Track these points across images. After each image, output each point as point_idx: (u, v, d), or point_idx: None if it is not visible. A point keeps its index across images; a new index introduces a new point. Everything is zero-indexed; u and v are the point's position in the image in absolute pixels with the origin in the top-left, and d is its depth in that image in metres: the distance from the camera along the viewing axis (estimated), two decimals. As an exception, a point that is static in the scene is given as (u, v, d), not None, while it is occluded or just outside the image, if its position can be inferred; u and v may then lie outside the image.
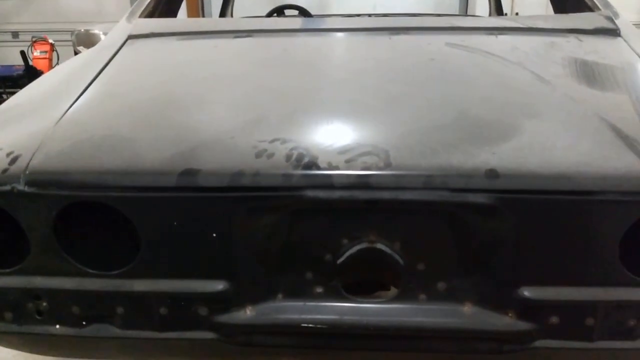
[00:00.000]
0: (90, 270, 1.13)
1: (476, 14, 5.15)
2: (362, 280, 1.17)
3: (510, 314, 1.11)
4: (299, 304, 1.14)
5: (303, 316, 1.13)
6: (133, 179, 1.07)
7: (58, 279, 1.15)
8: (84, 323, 1.17)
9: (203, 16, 7.15)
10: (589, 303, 1.09)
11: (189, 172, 1.05)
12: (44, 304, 1.16)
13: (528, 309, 1.10)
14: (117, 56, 1.55)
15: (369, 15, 3.42)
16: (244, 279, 1.12)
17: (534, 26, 1.65)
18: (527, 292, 1.09)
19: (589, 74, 1.35)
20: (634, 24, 1.76)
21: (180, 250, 1.11)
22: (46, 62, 7.07)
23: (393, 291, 1.15)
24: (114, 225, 1.13)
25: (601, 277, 1.08)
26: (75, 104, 1.28)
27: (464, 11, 6.75)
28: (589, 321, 1.09)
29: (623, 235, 1.04)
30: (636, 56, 1.46)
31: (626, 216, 1.03)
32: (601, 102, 1.23)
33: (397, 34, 1.63)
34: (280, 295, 1.15)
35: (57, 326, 1.18)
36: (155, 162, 1.08)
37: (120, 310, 1.15)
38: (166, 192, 1.06)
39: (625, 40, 1.57)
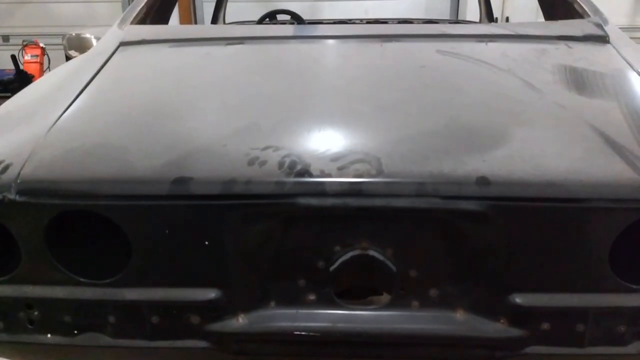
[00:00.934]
0: (82, 279, 1.13)
1: (467, 19, 5.17)
2: (355, 287, 1.18)
3: (502, 321, 1.11)
4: (292, 311, 1.14)
5: (296, 324, 1.13)
6: (125, 188, 1.07)
7: (50, 288, 1.14)
8: (75, 332, 1.17)
9: (195, 22, 7.14)
10: (579, 309, 1.09)
11: (181, 180, 1.05)
12: (36, 312, 1.16)
13: (519, 316, 1.10)
14: (108, 63, 1.55)
15: (361, 20, 3.43)
16: (236, 287, 1.12)
17: (523, 33, 1.66)
18: (518, 299, 1.09)
19: (579, 81, 1.36)
20: (624, 28, 1.78)
21: (172, 258, 1.11)
22: (37, 66, 7.02)
23: (386, 298, 1.15)
24: (105, 234, 1.13)
25: (592, 283, 1.09)
26: (67, 111, 1.28)
27: (455, 16, 6.77)
28: (580, 327, 1.10)
29: (613, 242, 1.05)
30: (625, 63, 1.48)
31: (616, 223, 1.04)
32: (591, 110, 1.24)
33: (389, 41, 1.63)
34: (272, 303, 1.15)
35: (49, 335, 1.17)
36: (147, 170, 1.08)
37: (111, 319, 1.15)
38: (158, 201, 1.06)
39: (614, 47, 1.58)
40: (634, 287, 1.08)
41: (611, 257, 1.06)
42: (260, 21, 3.04)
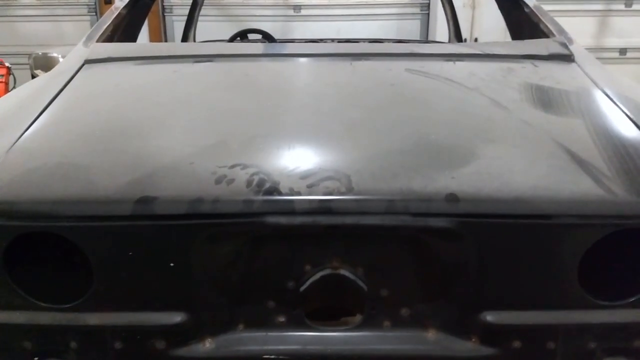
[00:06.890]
0: (42, 304, 1.09)
1: (436, 40, 5.25)
2: (326, 308, 1.16)
3: (473, 339, 1.11)
4: (261, 334, 1.12)
5: (265, 347, 1.11)
6: (86, 208, 1.04)
7: (8, 313, 1.10)
8: (35, 359, 1.12)
9: (165, 41, 7.10)
10: (550, 327, 1.09)
11: (146, 200, 1.03)
12: None
13: (491, 334, 1.10)
14: (72, 81, 1.51)
15: (332, 40, 3.45)
16: (204, 310, 1.10)
17: (490, 52, 1.69)
18: (489, 317, 1.09)
19: (545, 99, 1.39)
20: (589, 49, 1.82)
21: (136, 281, 1.08)
22: (2, 86, 6.84)
23: (357, 318, 1.14)
24: (66, 257, 1.09)
25: (561, 300, 1.09)
26: (28, 131, 1.24)
27: (425, 37, 6.88)
28: (551, 345, 1.10)
29: (582, 258, 1.05)
30: (590, 81, 1.51)
31: (584, 239, 1.05)
32: (557, 127, 1.26)
33: (359, 59, 1.64)
34: (241, 326, 1.12)
35: None
36: (110, 189, 1.05)
37: (73, 345, 1.11)
38: (121, 221, 1.03)
39: (579, 66, 1.61)
40: (603, 303, 1.09)
41: (580, 273, 1.07)
42: (231, 40, 3.04)
